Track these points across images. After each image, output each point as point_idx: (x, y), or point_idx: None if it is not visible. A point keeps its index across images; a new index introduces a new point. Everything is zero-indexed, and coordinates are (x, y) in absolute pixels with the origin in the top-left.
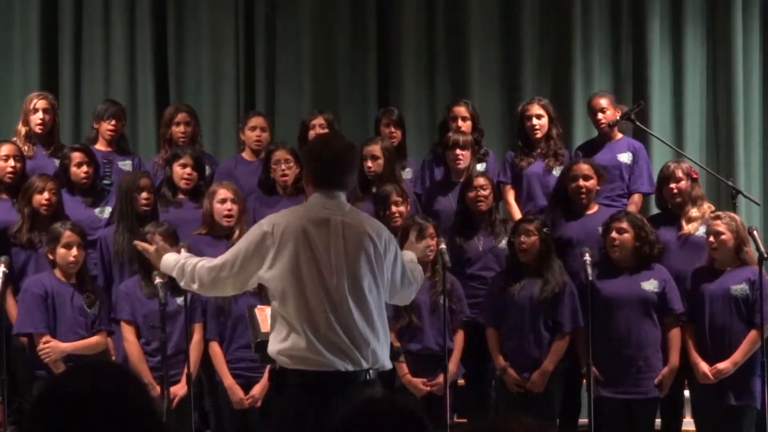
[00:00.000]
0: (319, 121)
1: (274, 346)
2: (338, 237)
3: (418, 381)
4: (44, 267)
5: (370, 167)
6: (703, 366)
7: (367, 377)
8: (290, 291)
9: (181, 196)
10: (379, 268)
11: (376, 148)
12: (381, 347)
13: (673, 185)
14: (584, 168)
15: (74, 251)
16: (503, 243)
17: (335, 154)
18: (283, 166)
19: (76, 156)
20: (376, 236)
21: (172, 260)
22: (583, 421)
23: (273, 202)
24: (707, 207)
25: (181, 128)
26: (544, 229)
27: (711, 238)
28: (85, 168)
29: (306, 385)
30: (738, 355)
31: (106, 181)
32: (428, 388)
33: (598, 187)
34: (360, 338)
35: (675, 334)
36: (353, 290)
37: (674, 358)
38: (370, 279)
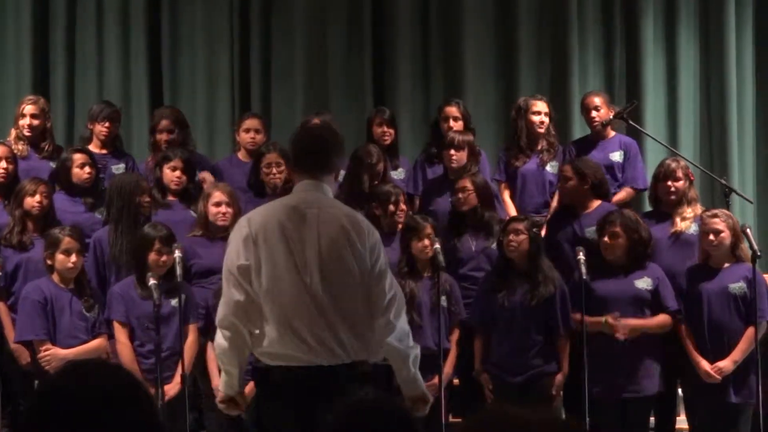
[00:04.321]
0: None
1: (254, 343)
2: (312, 231)
3: None
4: (36, 269)
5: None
6: (705, 364)
7: (352, 371)
8: (267, 288)
9: (170, 197)
10: (358, 262)
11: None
12: (362, 341)
13: (670, 183)
14: (565, 169)
15: (73, 257)
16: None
17: (310, 137)
18: (274, 170)
19: (78, 157)
20: (353, 230)
21: (224, 376)
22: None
23: (262, 203)
24: (700, 209)
25: (164, 136)
26: (534, 229)
27: (711, 237)
28: (87, 168)
29: (288, 380)
30: (737, 353)
31: None
32: None
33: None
34: (334, 333)
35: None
36: (327, 286)
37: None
38: (347, 274)
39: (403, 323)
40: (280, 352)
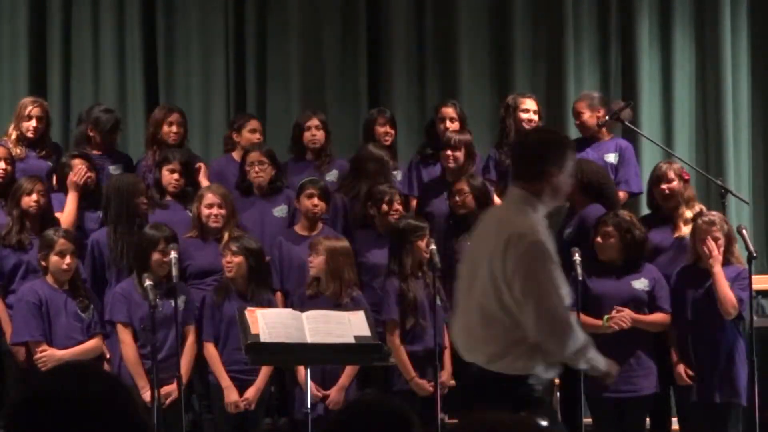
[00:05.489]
0: (313, 122)
1: None
2: (480, 239)
3: (424, 382)
4: (34, 269)
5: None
6: (680, 367)
7: (486, 373)
8: None
9: (167, 198)
10: (492, 273)
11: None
12: (484, 350)
13: (664, 186)
14: None
15: (67, 259)
16: None
17: (519, 143)
18: (256, 168)
19: (77, 163)
20: (504, 246)
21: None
22: (587, 420)
23: (248, 203)
24: (699, 208)
25: (174, 128)
26: None
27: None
28: (88, 173)
29: None
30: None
31: None
32: (432, 389)
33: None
34: (458, 334)
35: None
36: (468, 288)
37: None
38: (480, 285)
39: (553, 343)
40: None
